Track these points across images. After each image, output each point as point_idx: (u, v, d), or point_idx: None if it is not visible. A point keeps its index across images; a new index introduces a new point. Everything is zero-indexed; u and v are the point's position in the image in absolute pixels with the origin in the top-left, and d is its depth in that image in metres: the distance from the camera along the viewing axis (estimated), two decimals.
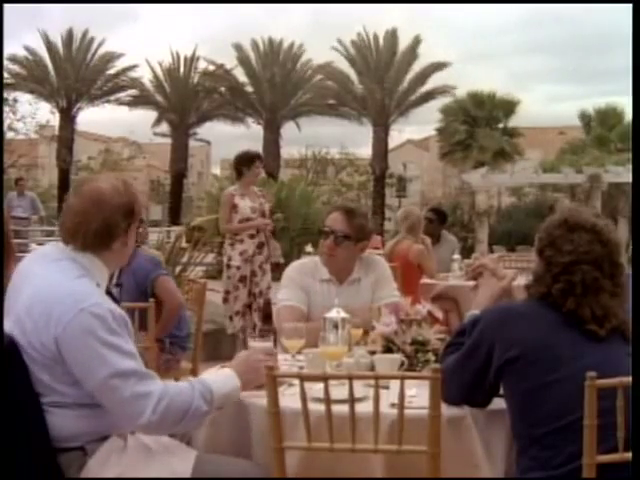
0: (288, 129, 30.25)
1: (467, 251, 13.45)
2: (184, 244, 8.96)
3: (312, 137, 38.23)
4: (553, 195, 22.53)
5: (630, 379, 2.07)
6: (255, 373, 2.48)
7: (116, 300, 2.48)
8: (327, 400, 2.06)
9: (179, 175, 31.50)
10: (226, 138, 32.96)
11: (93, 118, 59.86)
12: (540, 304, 2.33)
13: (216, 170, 44.46)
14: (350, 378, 2.07)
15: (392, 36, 29.05)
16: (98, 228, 2.37)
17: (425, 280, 6.67)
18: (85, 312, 2.23)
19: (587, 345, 2.24)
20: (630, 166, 16.74)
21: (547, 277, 2.32)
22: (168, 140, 31.91)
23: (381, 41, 29.05)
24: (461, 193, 21.73)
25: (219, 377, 2.46)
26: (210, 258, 15.50)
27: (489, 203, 20.77)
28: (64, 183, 28.74)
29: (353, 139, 53.71)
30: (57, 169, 30.37)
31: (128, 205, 2.42)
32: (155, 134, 32.44)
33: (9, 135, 25.46)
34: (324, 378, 2.08)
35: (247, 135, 30.59)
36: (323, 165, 34.37)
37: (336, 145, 34.83)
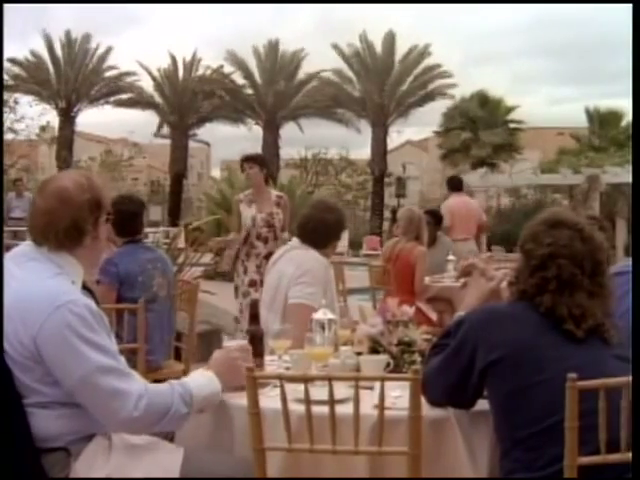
0: (288, 130, 30.31)
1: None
2: (182, 245, 8.94)
3: (312, 138, 38.21)
4: (552, 196, 22.52)
5: (613, 380, 2.06)
6: (234, 373, 2.49)
7: (95, 297, 2.48)
8: (307, 401, 2.06)
9: (178, 176, 31.52)
10: (226, 139, 33.01)
11: (93, 119, 59.97)
12: (524, 306, 2.32)
13: (216, 171, 44.48)
14: (330, 379, 2.06)
15: (393, 38, 29.06)
16: (67, 226, 2.36)
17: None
18: (62, 309, 2.23)
19: (570, 347, 2.24)
20: (628, 167, 16.77)
21: (526, 272, 2.32)
22: (168, 141, 31.93)
23: (382, 43, 29.06)
24: None
25: (199, 380, 2.46)
26: (208, 259, 15.53)
27: (488, 204, 20.77)
28: None
29: (352, 140, 53.63)
30: (57, 170, 30.38)
31: (94, 199, 2.42)
32: (155, 135, 32.47)
33: (9, 136, 25.47)
34: (304, 379, 2.08)
35: (247, 136, 30.60)
36: (323, 166, 34.37)
37: (335, 146, 34.87)
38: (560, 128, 32.36)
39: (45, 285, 2.30)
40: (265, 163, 6.69)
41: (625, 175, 16.75)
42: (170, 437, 2.74)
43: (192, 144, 33.54)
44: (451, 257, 7.02)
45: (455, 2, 47.06)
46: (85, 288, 2.50)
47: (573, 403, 2.01)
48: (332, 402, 2.05)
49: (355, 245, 22.69)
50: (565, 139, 30.25)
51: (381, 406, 2.04)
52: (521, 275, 2.35)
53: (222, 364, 2.54)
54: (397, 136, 31.69)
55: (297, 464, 2.34)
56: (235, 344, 2.69)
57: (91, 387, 2.23)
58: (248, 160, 6.54)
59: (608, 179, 18.58)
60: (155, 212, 31.15)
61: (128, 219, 4.64)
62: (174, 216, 29.07)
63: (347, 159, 34.46)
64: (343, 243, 22.54)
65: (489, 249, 17.82)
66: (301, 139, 33.04)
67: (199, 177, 47.61)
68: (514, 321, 2.30)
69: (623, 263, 5.18)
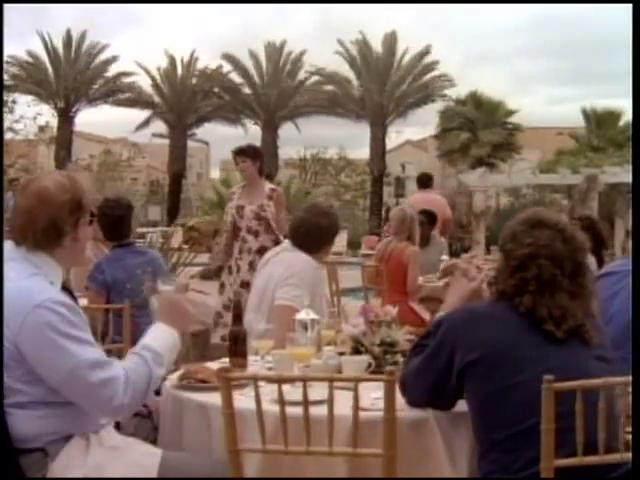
0: (286, 130, 30.29)
1: (465, 252, 13.40)
2: (179, 244, 8.92)
3: (310, 138, 38.17)
4: (551, 196, 22.49)
5: (590, 382, 2.04)
6: (184, 317, 2.53)
7: (74, 298, 2.48)
8: (281, 402, 2.04)
9: (177, 176, 31.49)
10: (225, 139, 32.98)
11: (92, 119, 59.80)
12: (504, 306, 2.30)
13: (215, 171, 44.49)
14: (304, 380, 2.04)
15: (393, 38, 29.03)
16: (45, 226, 2.35)
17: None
18: (40, 308, 2.23)
19: (549, 348, 2.21)
20: (627, 167, 16.77)
21: (505, 273, 2.29)
22: (167, 141, 31.90)
23: (382, 43, 29.04)
24: (458, 194, 21.65)
25: (159, 336, 2.46)
26: (205, 259, 15.51)
27: (487, 204, 20.75)
28: None
29: (351, 140, 53.65)
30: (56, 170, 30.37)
31: (74, 200, 2.40)
32: (153, 135, 32.44)
33: (8, 136, 25.47)
34: (278, 380, 2.06)
35: (246, 136, 30.56)
36: (322, 166, 34.35)
37: (334, 146, 34.84)
38: (560, 128, 32.31)
39: (22, 285, 2.30)
40: (258, 155, 6.44)
41: (624, 175, 16.73)
42: (150, 439, 2.74)
43: (191, 144, 33.52)
44: (445, 257, 7.01)
45: (455, 2, 47.03)
46: (65, 289, 2.48)
47: (549, 405, 1.99)
48: (306, 403, 2.03)
49: (354, 245, 22.67)
50: (565, 139, 30.22)
51: (355, 407, 2.02)
52: (501, 275, 2.33)
53: (170, 312, 2.52)
54: (396, 136, 31.68)
55: (277, 464, 2.33)
56: (171, 287, 2.63)
57: (79, 381, 2.25)
58: (240, 153, 6.38)
59: (607, 179, 18.56)
60: (154, 212, 31.14)
61: (115, 223, 4.56)
62: (173, 216, 29.04)
63: (346, 159, 34.43)
64: (342, 243, 22.52)
65: (488, 249, 17.81)
66: (300, 139, 33.05)
67: (198, 177, 47.61)
68: (493, 322, 2.28)
69: (614, 263, 5.19)
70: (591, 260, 5.71)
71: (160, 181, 39.92)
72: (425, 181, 9.32)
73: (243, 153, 6.37)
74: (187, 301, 2.59)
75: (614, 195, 18.96)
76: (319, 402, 2.21)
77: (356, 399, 2.02)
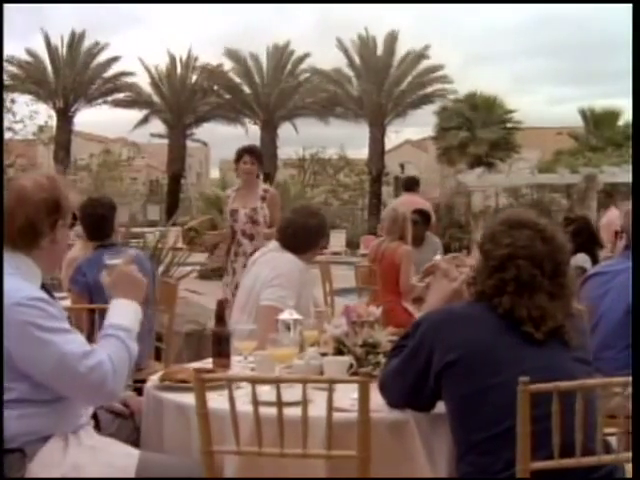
0: (285, 130, 30.28)
1: (464, 252, 13.38)
2: (173, 243, 8.91)
3: (309, 138, 38.19)
4: (550, 195, 22.47)
5: (566, 384, 2.02)
6: (137, 287, 2.54)
7: (52, 296, 2.46)
8: (255, 403, 2.03)
9: (176, 176, 31.49)
10: (224, 139, 32.98)
11: (92, 118, 59.87)
12: (483, 307, 2.28)
13: (215, 171, 44.46)
14: (278, 382, 2.03)
15: (393, 37, 29.01)
16: (22, 226, 2.34)
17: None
18: (19, 306, 2.23)
19: (527, 349, 2.19)
20: (626, 166, 16.76)
21: (484, 273, 2.27)
22: (167, 141, 31.89)
23: (381, 42, 29.03)
24: (457, 194, 21.65)
25: (122, 312, 2.47)
26: (201, 258, 15.52)
27: (486, 204, 20.75)
28: None
29: (350, 140, 53.68)
30: (55, 170, 30.34)
31: (51, 200, 2.38)
32: (152, 135, 32.46)
33: (7, 136, 25.49)
34: (252, 381, 2.04)
35: (245, 136, 30.54)
36: (321, 166, 34.37)
37: (333, 146, 34.88)
38: (560, 128, 32.28)
39: None
40: (262, 158, 6.40)
41: (622, 175, 16.73)
42: (132, 440, 2.72)
43: (191, 144, 33.53)
44: (438, 257, 6.96)
45: (455, 2, 47.01)
46: (44, 289, 2.47)
47: (525, 407, 1.96)
48: (280, 404, 2.02)
49: (353, 244, 22.68)
50: (564, 139, 30.21)
51: (329, 408, 2.01)
52: (480, 276, 2.31)
53: (124, 285, 2.52)
54: (396, 136, 31.71)
55: (258, 463, 2.31)
56: (118, 261, 2.62)
57: (67, 371, 2.25)
58: (252, 153, 6.22)
59: (605, 179, 18.55)
60: (153, 212, 31.18)
61: (97, 222, 4.51)
62: (171, 216, 29.03)
63: (345, 158, 34.45)
64: (340, 243, 22.53)
65: None
66: (299, 139, 33.05)
67: (198, 177, 47.60)
68: (471, 322, 2.26)
69: (603, 263, 5.16)
70: (586, 259, 5.74)
71: (160, 181, 39.97)
72: (411, 185, 9.37)
73: (254, 153, 6.25)
74: (135, 271, 2.57)
75: (613, 194, 18.94)
76: (297, 403, 2.19)
77: (330, 400, 2.00)
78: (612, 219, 7.25)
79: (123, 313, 2.46)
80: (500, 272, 2.24)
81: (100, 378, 2.26)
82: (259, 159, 6.27)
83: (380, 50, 28.92)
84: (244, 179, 6.23)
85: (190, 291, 7.95)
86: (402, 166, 33.16)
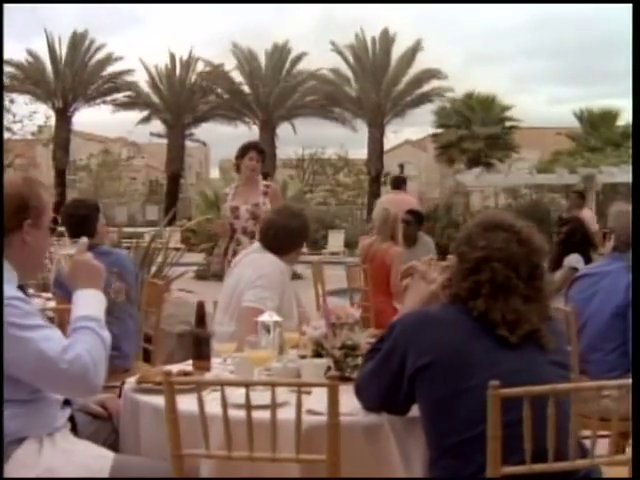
0: (284, 130, 30.28)
1: None
2: (164, 243, 8.88)
3: (308, 138, 38.11)
4: (549, 195, 22.46)
5: (537, 388, 1.99)
6: (95, 274, 2.51)
7: (26, 293, 2.46)
8: (224, 406, 2.01)
9: (175, 175, 31.50)
10: (223, 139, 32.97)
11: (91, 118, 59.82)
12: (457, 310, 2.26)
13: (215, 170, 44.45)
14: (247, 385, 2.01)
15: (391, 37, 29.01)
16: None
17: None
18: None
19: (502, 353, 2.16)
20: (624, 167, 16.74)
21: (459, 276, 2.25)
22: (166, 141, 31.90)
23: (381, 42, 29.01)
24: (455, 193, 21.64)
25: (87, 303, 2.45)
26: (198, 258, 15.52)
27: (484, 204, 20.74)
28: (61, 183, 28.81)
29: (350, 140, 53.59)
30: (55, 170, 30.38)
31: (18, 199, 2.37)
32: (151, 134, 32.48)
33: (5, 135, 25.53)
34: (221, 384, 2.03)
35: (244, 136, 30.53)
36: (320, 165, 34.37)
37: (332, 146, 34.87)
38: (559, 128, 32.27)
39: None
40: (265, 156, 6.29)
41: (621, 175, 16.71)
42: (109, 443, 2.70)
43: (191, 144, 33.53)
44: (432, 257, 6.93)
45: (455, 2, 46.99)
46: (21, 289, 2.46)
47: (495, 411, 1.94)
48: (249, 407, 2.00)
49: (351, 245, 22.64)
50: (563, 139, 30.21)
51: (298, 412, 1.99)
52: (455, 278, 2.29)
53: (82, 275, 2.50)
54: (395, 136, 31.70)
55: (231, 464, 2.28)
56: (72, 251, 2.59)
57: (48, 366, 2.24)
58: (260, 151, 6.10)
59: (604, 179, 18.54)
60: (152, 211, 31.18)
61: (78, 223, 4.48)
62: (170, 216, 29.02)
63: (344, 158, 34.45)
64: (339, 243, 22.48)
65: None
66: (298, 139, 33.06)
67: (197, 177, 47.58)
68: (445, 325, 2.24)
69: (590, 265, 5.14)
70: (579, 259, 5.72)
71: (159, 181, 39.97)
72: (397, 183, 9.55)
73: (260, 150, 6.13)
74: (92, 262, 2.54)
75: (612, 195, 18.94)
76: (269, 406, 2.17)
77: (299, 404, 1.98)
78: (587, 220, 7.29)
79: (88, 303, 2.45)
80: (475, 274, 2.22)
81: (81, 371, 2.26)
82: (264, 156, 6.17)
83: (379, 50, 28.91)
84: (247, 175, 6.05)
85: (185, 291, 7.95)
86: (401, 166, 33.16)
